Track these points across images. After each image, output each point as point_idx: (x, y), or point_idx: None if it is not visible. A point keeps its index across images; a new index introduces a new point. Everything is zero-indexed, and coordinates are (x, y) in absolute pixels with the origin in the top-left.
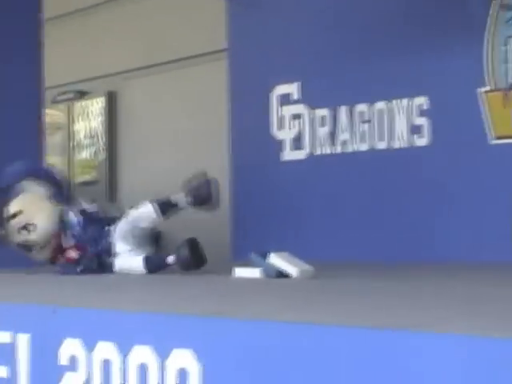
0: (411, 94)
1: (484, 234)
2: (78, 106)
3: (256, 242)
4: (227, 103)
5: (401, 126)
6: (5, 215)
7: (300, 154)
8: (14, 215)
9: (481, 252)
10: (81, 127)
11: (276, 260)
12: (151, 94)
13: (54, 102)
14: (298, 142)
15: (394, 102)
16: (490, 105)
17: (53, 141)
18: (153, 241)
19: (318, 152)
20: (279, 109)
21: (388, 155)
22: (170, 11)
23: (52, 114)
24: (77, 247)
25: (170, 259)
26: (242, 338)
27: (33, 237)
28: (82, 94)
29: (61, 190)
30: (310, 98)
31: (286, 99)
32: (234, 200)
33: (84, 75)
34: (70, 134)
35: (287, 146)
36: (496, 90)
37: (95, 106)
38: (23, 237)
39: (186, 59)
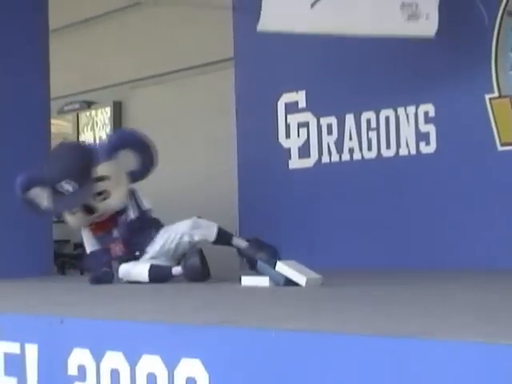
0: (418, 102)
1: (493, 241)
2: (85, 116)
3: None
4: (234, 112)
5: (407, 134)
6: (91, 175)
7: (307, 162)
8: (100, 178)
9: (490, 259)
10: (87, 137)
11: (283, 268)
12: (157, 103)
13: (61, 112)
14: (305, 150)
15: (401, 109)
16: (496, 111)
17: None
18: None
19: (326, 160)
20: (286, 117)
21: (395, 163)
22: (176, 21)
23: (59, 125)
24: (124, 244)
25: (175, 270)
26: (249, 346)
27: (102, 205)
28: (88, 104)
29: (143, 171)
30: (317, 106)
31: (292, 107)
32: (241, 208)
33: (90, 85)
34: None
35: (294, 154)
36: (503, 96)
37: (102, 116)
38: (94, 201)
39: (192, 68)
